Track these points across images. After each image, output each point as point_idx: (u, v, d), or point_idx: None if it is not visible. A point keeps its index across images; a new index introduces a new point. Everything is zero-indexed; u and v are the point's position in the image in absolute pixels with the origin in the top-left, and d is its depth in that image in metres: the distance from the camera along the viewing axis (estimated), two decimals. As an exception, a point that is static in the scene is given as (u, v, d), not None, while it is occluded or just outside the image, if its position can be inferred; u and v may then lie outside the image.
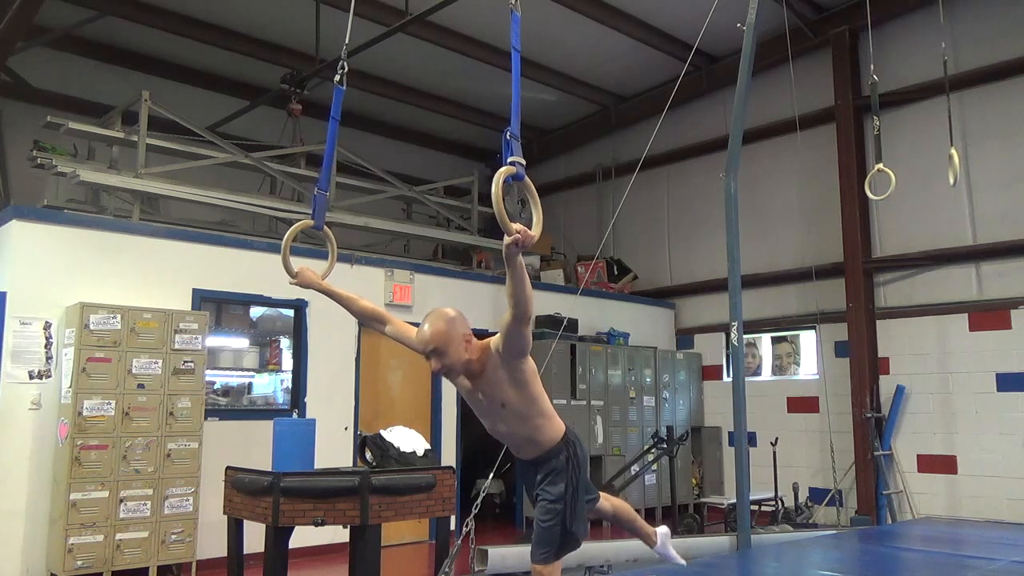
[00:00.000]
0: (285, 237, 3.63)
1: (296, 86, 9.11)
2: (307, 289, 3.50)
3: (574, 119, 12.20)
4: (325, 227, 3.67)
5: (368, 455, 5.13)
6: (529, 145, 12.85)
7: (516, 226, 2.57)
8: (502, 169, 2.69)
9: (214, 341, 7.26)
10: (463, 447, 8.72)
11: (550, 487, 3.23)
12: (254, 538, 4.93)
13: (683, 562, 4.15)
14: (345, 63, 3.81)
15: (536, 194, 2.85)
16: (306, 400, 7.51)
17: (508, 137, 2.77)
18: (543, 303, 9.24)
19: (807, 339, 9.95)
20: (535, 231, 2.63)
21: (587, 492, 3.37)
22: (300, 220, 3.66)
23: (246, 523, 4.90)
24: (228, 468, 5.03)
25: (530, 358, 3.09)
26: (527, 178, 2.78)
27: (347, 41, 3.99)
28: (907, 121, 8.96)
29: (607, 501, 3.73)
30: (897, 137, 8.66)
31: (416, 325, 3.19)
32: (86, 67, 9.39)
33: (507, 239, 2.58)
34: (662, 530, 4.00)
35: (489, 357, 3.04)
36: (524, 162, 2.74)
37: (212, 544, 6.19)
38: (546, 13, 9.17)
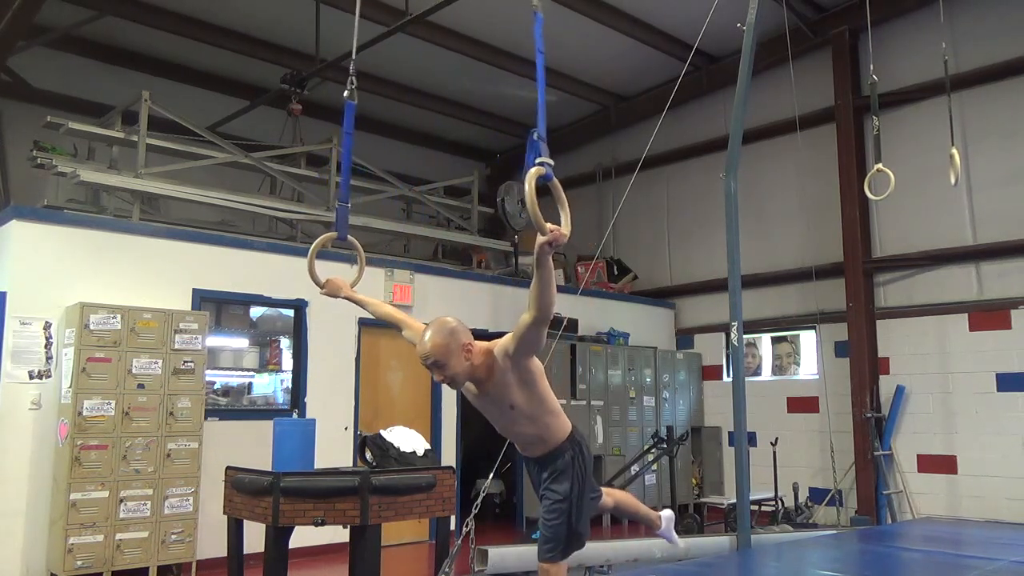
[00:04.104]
0: (310, 250, 3.72)
1: (296, 86, 9.11)
2: (335, 298, 3.65)
3: (574, 119, 12.19)
4: (350, 237, 3.78)
5: (368, 455, 5.13)
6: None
7: (550, 226, 2.60)
8: (532, 170, 2.70)
9: (214, 341, 7.26)
10: (463, 447, 8.72)
11: (556, 486, 3.24)
12: (254, 538, 4.92)
13: (682, 545, 4.53)
14: (354, 77, 3.78)
15: (563, 194, 2.86)
16: (306, 400, 7.51)
17: (535, 138, 2.78)
18: (543, 303, 9.23)
19: (807, 339, 9.95)
20: (564, 230, 2.66)
21: (592, 490, 3.38)
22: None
23: (246, 523, 4.90)
24: (228, 468, 5.02)
25: (535, 357, 3.10)
26: (555, 179, 2.78)
27: (354, 56, 3.93)
28: (907, 121, 8.96)
29: (609, 496, 3.77)
30: (897, 137, 8.65)
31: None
32: (86, 67, 9.38)
33: (540, 239, 2.61)
34: (666, 514, 4.11)
35: (494, 361, 3.03)
36: (552, 163, 2.75)
37: (212, 544, 6.19)
38: (546, 13, 9.11)
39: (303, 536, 5.08)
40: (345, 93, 3.76)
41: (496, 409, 3.18)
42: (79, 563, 5.79)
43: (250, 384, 7.77)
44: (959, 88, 8.14)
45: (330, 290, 3.63)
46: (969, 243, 8.55)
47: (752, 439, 8.41)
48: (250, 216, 8.68)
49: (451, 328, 3.03)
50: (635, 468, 8.66)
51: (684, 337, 11.19)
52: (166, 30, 9.00)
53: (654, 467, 9.01)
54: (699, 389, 10.80)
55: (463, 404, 8.69)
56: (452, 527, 6.06)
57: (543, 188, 2.75)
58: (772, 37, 8.96)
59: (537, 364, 3.12)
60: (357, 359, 7.91)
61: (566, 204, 2.83)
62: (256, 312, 7.88)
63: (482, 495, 5.78)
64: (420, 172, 11.48)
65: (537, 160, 2.74)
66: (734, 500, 6.95)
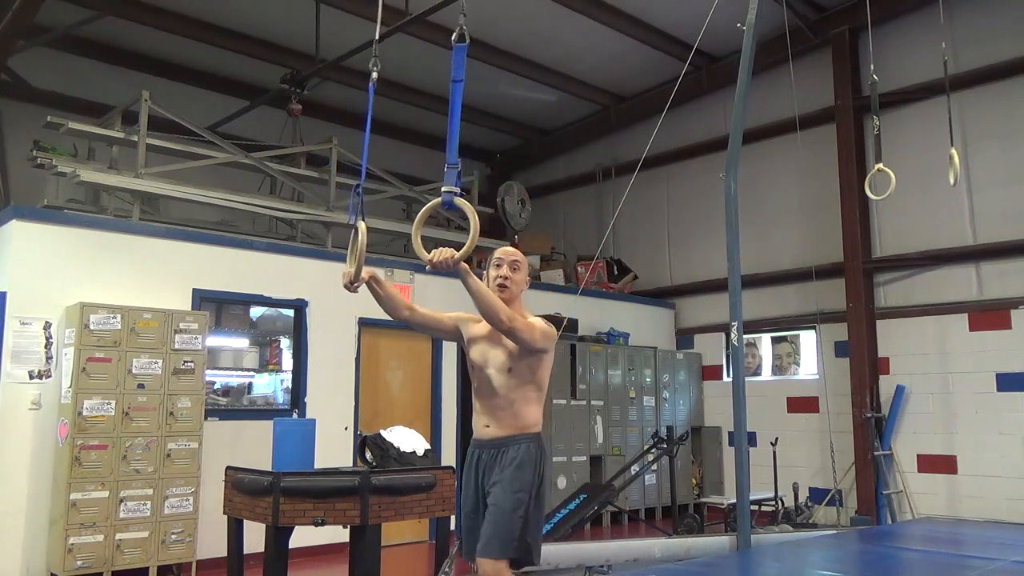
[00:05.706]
0: (360, 245, 3.10)
1: (296, 86, 9.11)
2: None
3: (574, 119, 12.19)
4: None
5: (368, 455, 5.12)
6: (529, 145, 12.86)
7: (432, 254, 2.92)
8: (431, 203, 3.07)
9: (214, 341, 7.26)
10: (463, 447, 8.72)
11: (518, 472, 3.19)
12: (254, 538, 4.92)
13: None
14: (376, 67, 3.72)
15: (473, 211, 3.05)
16: (306, 400, 7.51)
17: (446, 168, 3.01)
18: (543, 303, 9.24)
19: (807, 339, 9.95)
20: (468, 243, 2.91)
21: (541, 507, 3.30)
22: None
23: (246, 523, 4.90)
24: (228, 468, 5.02)
25: (551, 353, 3.39)
26: (462, 200, 3.02)
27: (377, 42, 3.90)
28: (907, 121, 8.96)
29: None
30: (897, 137, 8.65)
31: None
32: (86, 67, 9.38)
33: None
34: None
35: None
36: (457, 190, 3.01)
37: (212, 544, 6.19)
38: (546, 12, 9.16)
39: (303, 536, 5.07)
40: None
41: (495, 362, 3.32)
42: (79, 563, 5.79)
43: (250, 384, 7.77)
44: (959, 88, 8.14)
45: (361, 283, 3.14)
46: (969, 243, 8.55)
47: (752, 439, 8.41)
48: (250, 216, 8.68)
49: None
50: (635, 468, 8.65)
51: (684, 337, 11.19)
52: (166, 30, 9.00)
53: (654, 467, 9.01)
54: (699, 389, 10.79)
55: (463, 405, 8.70)
56: (452, 527, 6.05)
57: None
58: (772, 37, 8.96)
59: (549, 357, 3.39)
60: (357, 359, 7.92)
61: (473, 223, 3.00)
62: (256, 312, 7.88)
63: (482, 495, 5.77)
64: (420, 172, 11.46)
65: (443, 189, 2.98)
66: (734, 500, 6.94)
